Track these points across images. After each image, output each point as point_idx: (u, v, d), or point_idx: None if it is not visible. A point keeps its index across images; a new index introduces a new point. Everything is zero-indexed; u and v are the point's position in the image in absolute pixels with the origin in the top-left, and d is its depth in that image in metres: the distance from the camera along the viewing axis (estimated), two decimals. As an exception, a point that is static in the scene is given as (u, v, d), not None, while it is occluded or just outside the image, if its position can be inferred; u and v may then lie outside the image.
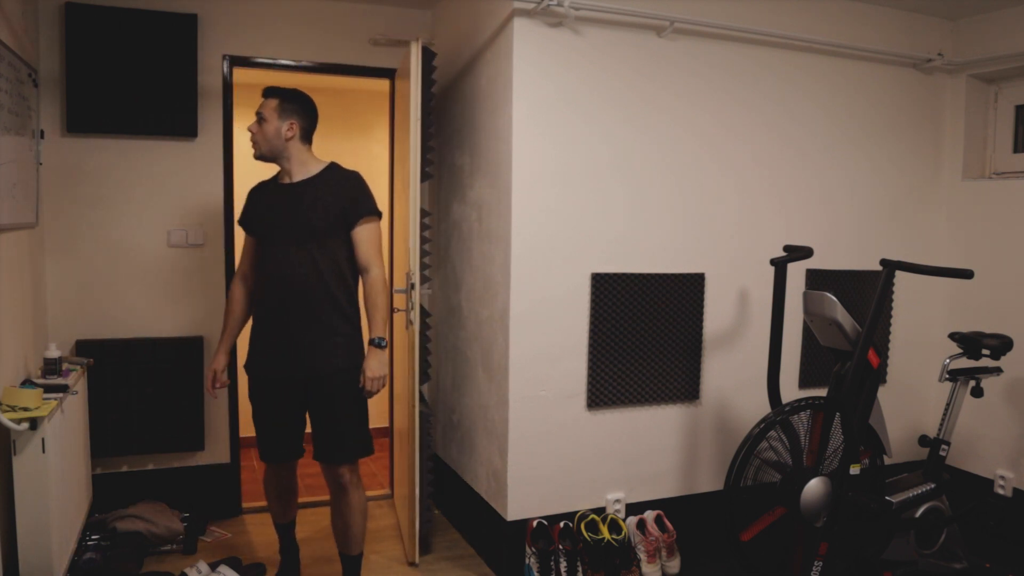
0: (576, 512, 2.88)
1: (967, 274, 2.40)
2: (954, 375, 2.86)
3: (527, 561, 2.80)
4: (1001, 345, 2.80)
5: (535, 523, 2.81)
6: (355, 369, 2.47)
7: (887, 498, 2.68)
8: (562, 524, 2.83)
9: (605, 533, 2.80)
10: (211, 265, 3.32)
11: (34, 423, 2.17)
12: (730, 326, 3.11)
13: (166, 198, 3.23)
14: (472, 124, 3.06)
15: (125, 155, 3.16)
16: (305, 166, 2.52)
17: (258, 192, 2.62)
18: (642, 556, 2.88)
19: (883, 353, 3.42)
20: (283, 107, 2.48)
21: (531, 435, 2.80)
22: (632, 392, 2.94)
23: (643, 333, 2.93)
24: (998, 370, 2.87)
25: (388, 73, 3.54)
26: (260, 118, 2.49)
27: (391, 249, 3.47)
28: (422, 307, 3.06)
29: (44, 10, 3.00)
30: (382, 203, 2.59)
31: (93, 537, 2.83)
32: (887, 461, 2.78)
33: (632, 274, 2.90)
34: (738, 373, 3.12)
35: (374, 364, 2.45)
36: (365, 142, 4.54)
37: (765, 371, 2.69)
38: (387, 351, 2.51)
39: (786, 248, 2.83)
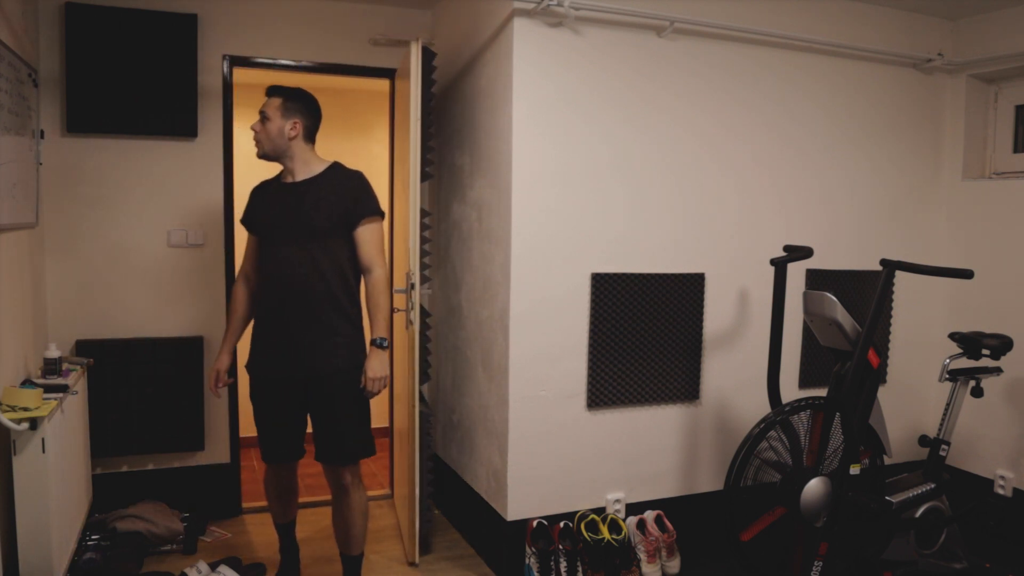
0: (576, 512, 2.88)
1: (967, 274, 2.40)
2: (954, 375, 2.86)
3: (527, 561, 2.80)
4: (1001, 345, 2.80)
5: (535, 523, 2.81)
6: (356, 370, 2.46)
7: (887, 498, 2.68)
8: (562, 524, 2.83)
9: (605, 533, 2.80)
10: (211, 265, 3.32)
11: (34, 423, 2.17)
12: (730, 326, 3.11)
13: (166, 198, 3.23)
14: (472, 124, 3.06)
15: (125, 155, 3.16)
16: (308, 165, 2.51)
17: (261, 191, 2.62)
18: (642, 556, 2.88)
19: (883, 353, 3.42)
20: (287, 106, 2.48)
21: (531, 435, 2.80)
22: (632, 392, 2.94)
23: (643, 333, 2.93)
24: (998, 370, 2.87)
25: (388, 73, 3.54)
26: (263, 117, 2.48)
27: (391, 249, 3.47)
28: (422, 307, 3.06)
29: (44, 10, 3.00)
30: (383, 203, 2.59)
31: (93, 537, 2.83)
32: (887, 461, 2.78)
33: (632, 274, 2.90)
34: (738, 373, 3.12)
35: (375, 364, 2.44)
36: (365, 142, 4.55)
37: (765, 371, 2.69)
38: (389, 352, 2.51)
39: (786, 248, 2.83)
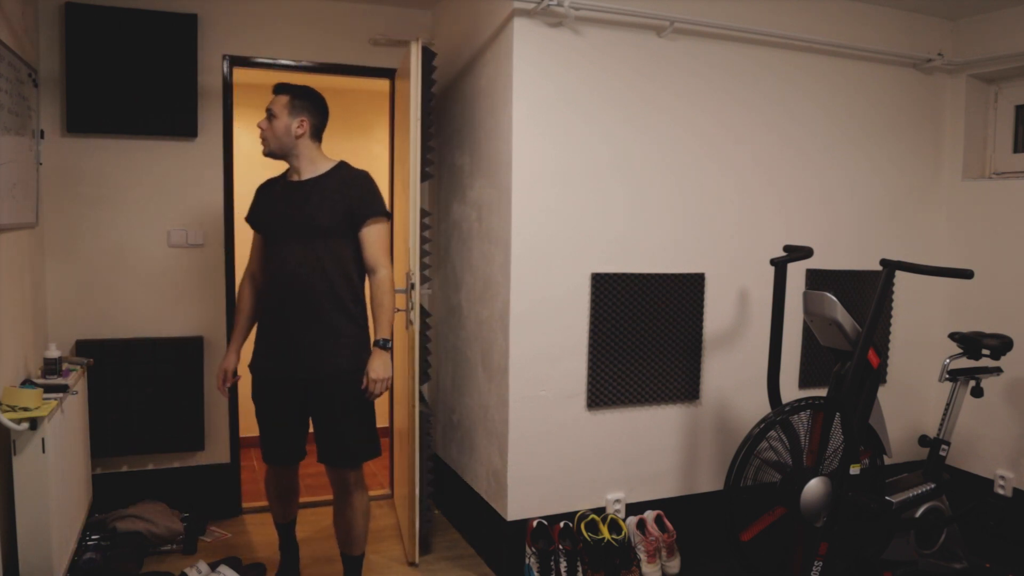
0: (576, 512, 2.88)
1: (967, 274, 2.40)
2: (954, 375, 2.86)
3: (527, 561, 2.80)
4: (1001, 345, 2.80)
5: (535, 523, 2.81)
6: (360, 370, 2.44)
7: (887, 498, 2.68)
8: (562, 524, 2.83)
9: (605, 533, 2.80)
10: (211, 265, 3.32)
11: (34, 423, 2.17)
12: (730, 326, 3.11)
13: (166, 198, 3.23)
14: (472, 124, 3.06)
15: (125, 155, 3.16)
16: (314, 164, 2.50)
17: (266, 189, 2.61)
18: (642, 556, 2.88)
19: (883, 353, 3.42)
20: (294, 104, 2.47)
21: (531, 435, 2.80)
22: (632, 392, 2.94)
23: (643, 333, 2.93)
24: (998, 370, 2.87)
25: (388, 73, 3.54)
26: (270, 114, 2.47)
27: (391, 249, 3.47)
28: (422, 307, 3.06)
29: (44, 10, 3.00)
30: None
31: (93, 537, 2.83)
32: (887, 461, 2.78)
33: (632, 274, 2.90)
34: (738, 373, 3.12)
35: (378, 365, 2.42)
36: (365, 142, 4.55)
37: (765, 371, 2.69)
38: (395, 354, 2.49)
39: (786, 248, 2.83)
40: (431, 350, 3.55)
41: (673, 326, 2.99)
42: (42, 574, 2.25)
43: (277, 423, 2.54)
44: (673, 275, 2.97)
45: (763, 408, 2.69)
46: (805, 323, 3.13)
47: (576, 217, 2.80)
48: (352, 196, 2.44)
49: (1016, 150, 3.41)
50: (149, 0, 3.09)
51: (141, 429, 3.19)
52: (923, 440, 2.92)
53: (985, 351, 2.81)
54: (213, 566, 2.77)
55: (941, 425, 2.86)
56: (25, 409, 2.22)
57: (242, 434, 3.44)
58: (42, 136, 2.95)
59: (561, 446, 2.86)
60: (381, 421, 3.80)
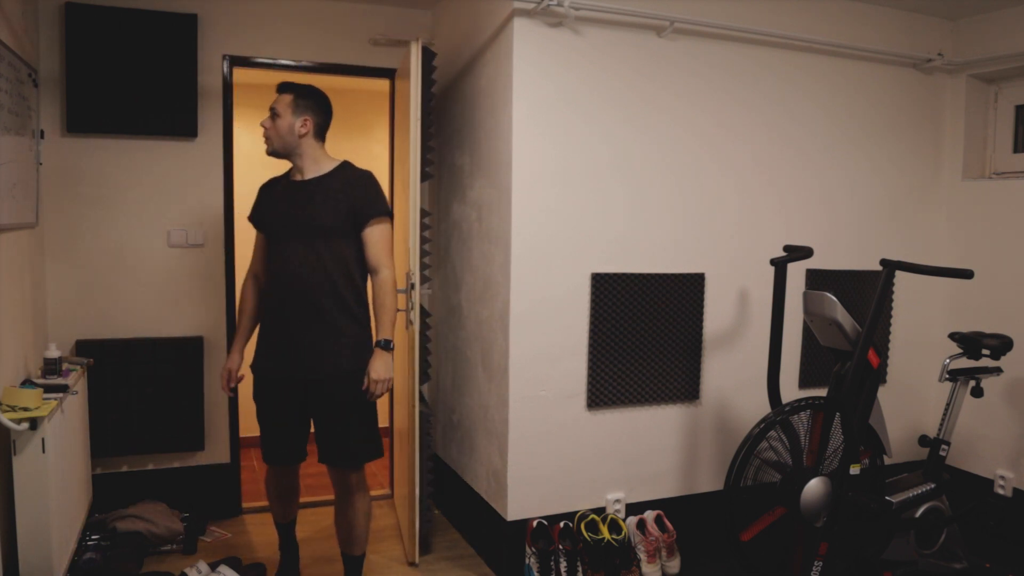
0: (576, 512, 2.88)
1: (967, 274, 2.40)
2: (954, 375, 2.86)
3: (527, 561, 2.80)
4: (1001, 345, 2.80)
5: (535, 523, 2.81)
6: (361, 371, 2.43)
7: (887, 498, 2.68)
8: (562, 524, 2.83)
9: (605, 533, 2.80)
10: (211, 265, 3.32)
11: (34, 423, 2.17)
12: (730, 326, 3.11)
13: (166, 198, 3.23)
14: (472, 124, 3.06)
15: (125, 155, 3.16)
16: (318, 164, 2.50)
17: (269, 188, 2.61)
18: (642, 556, 2.88)
19: (883, 353, 3.42)
20: (297, 103, 2.46)
21: (531, 435, 2.80)
22: (632, 392, 2.94)
23: (643, 333, 2.93)
24: (998, 370, 2.87)
25: (388, 73, 3.54)
26: (274, 113, 2.47)
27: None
28: (422, 307, 3.06)
29: (44, 10, 3.00)
30: (384, 203, 2.59)
31: (93, 537, 2.83)
32: (887, 461, 2.78)
33: (632, 274, 2.90)
34: (738, 373, 3.12)
35: (379, 366, 2.41)
36: (365, 142, 4.55)
37: (765, 371, 2.69)
38: (394, 353, 2.48)
39: (786, 248, 2.83)
40: (431, 350, 3.55)
41: (673, 326, 2.99)
42: (42, 574, 2.25)
43: (278, 423, 2.54)
44: (673, 275, 2.96)
45: (763, 408, 2.69)
46: (805, 323, 3.13)
47: (576, 217, 2.80)
48: (355, 196, 2.43)
49: (1016, 150, 3.41)
50: (149, 0, 3.09)
51: (141, 429, 3.19)
52: (923, 440, 2.92)
53: (985, 351, 2.81)
54: (213, 566, 2.77)
55: (941, 425, 2.86)
56: (25, 409, 2.22)
57: (242, 434, 3.44)
58: (42, 136, 2.95)
59: (561, 446, 2.86)
60: (382, 421, 3.81)
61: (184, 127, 3.19)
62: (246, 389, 2.63)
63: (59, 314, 3.10)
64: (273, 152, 2.51)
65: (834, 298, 2.54)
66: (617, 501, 2.97)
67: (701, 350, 3.06)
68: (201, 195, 3.28)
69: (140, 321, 3.22)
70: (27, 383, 2.49)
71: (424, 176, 3.11)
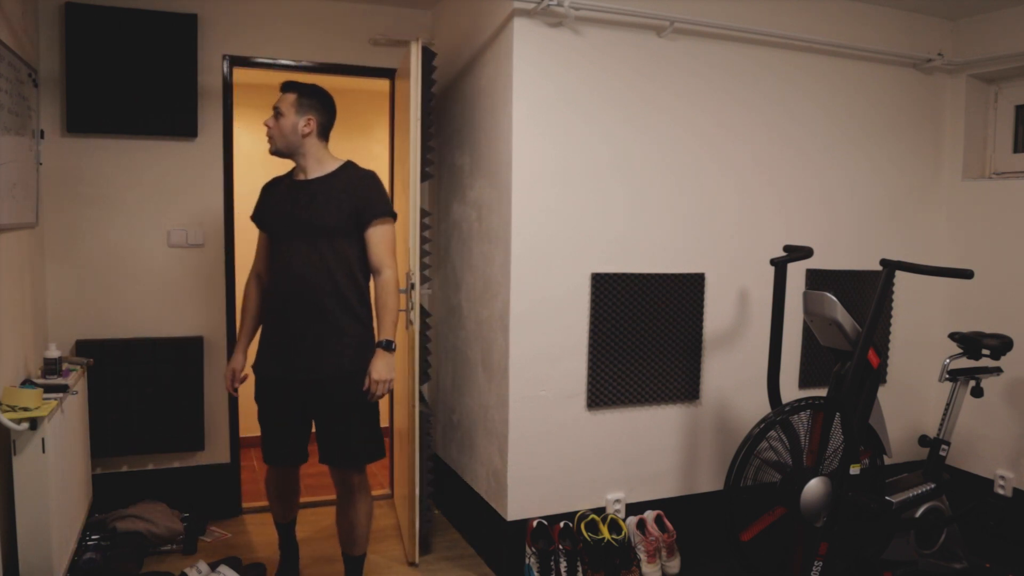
0: (576, 512, 2.88)
1: (967, 274, 2.40)
2: (954, 375, 2.86)
3: (527, 561, 2.80)
4: (1001, 345, 2.80)
5: (535, 523, 2.81)
6: (362, 371, 2.42)
7: (887, 498, 2.68)
8: (562, 524, 2.83)
9: (605, 533, 2.80)
10: (211, 265, 3.32)
11: (34, 423, 2.17)
12: (730, 326, 3.11)
13: (166, 198, 3.23)
14: (472, 124, 3.06)
15: (125, 155, 3.16)
16: (321, 163, 2.49)
17: (272, 187, 2.60)
18: (642, 556, 2.88)
19: (883, 353, 3.42)
20: (301, 102, 2.46)
21: (531, 435, 2.80)
22: (632, 392, 2.94)
23: (643, 333, 2.93)
24: (998, 370, 2.87)
25: (388, 73, 3.54)
26: (277, 113, 2.46)
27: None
28: (422, 307, 3.06)
29: (44, 10, 3.00)
30: (384, 203, 2.58)
31: (93, 537, 2.83)
32: (887, 461, 2.78)
33: (632, 274, 2.90)
34: (738, 373, 3.12)
35: (380, 366, 2.40)
36: (365, 142, 4.55)
37: (765, 371, 2.69)
38: (396, 354, 2.48)
39: (786, 248, 2.83)
40: (431, 350, 3.55)
41: (673, 326, 2.99)
42: (42, 574, 2.25)
43: (279, 424, 2.54)
44: (673, 275, 2.96)
45: (763, 408, 2.69)
46: (805, 323, 3.13)
47: (576, 217, 2.80)
48: (359, 196, 2.42)
49: (1016, 150, 3.41)
50: (149, 0, 3.09)
51: (141, 429, 3.19)
52: (923, 440, 2.92)
53: (985, 351, 2.81)
54: (213, 566, 2.77)
55: (941, 425, 2.86)
56: (25, 409, 2.22)
57: (242, 434, 3.44)
58: (42, 136, 2.95)
59: (561, 446, 2.86)
60: (381, 421, 3.82)
61: (184, 127, 3.19)
62: (246, 389, 2.63)
63: (59, 314, 3.10)
64: (276, 151, 2.50)
65: (834, 298, 2.54)
66: (617, 501, 2.97)
67: (701, 350, 3.06)
68: (201, 195, 3.28)
69: (140, 321, 3.22)
70: (27, 383, 2.49)
71: (424, 176, 3.11)
